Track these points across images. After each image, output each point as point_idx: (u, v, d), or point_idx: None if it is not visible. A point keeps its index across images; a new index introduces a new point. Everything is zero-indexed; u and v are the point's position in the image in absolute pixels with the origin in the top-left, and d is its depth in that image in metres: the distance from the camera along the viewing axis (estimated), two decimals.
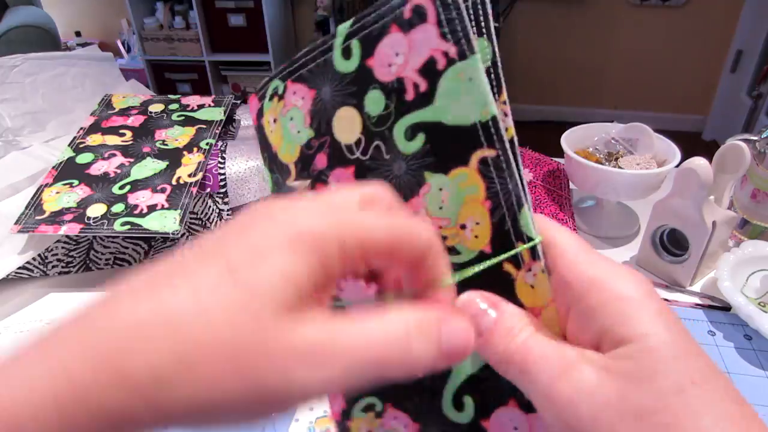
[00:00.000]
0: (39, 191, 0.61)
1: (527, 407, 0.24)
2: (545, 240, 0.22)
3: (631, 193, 0.65)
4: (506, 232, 0.22)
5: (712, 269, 0.61)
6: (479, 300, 0.22)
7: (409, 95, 0.23)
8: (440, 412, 0.26)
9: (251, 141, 0.72)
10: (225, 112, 0.75)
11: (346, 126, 0.25)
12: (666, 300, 0.58)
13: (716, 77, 2.65)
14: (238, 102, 0.81)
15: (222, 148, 0.68)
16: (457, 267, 0.23)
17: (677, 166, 0.59)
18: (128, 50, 3.08)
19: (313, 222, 0.17)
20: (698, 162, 0.53)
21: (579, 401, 0.18)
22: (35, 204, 0.59)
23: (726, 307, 0.57)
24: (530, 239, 0.22)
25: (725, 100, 2.62)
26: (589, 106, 2.83)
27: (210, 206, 0.66)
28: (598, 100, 2.85)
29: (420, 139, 0.23)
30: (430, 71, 0.22)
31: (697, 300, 0.58)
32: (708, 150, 0.62)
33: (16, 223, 0.57)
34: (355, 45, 0.24)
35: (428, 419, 0.26)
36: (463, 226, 0.23)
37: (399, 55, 0.23)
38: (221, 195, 0.65)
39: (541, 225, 0.22)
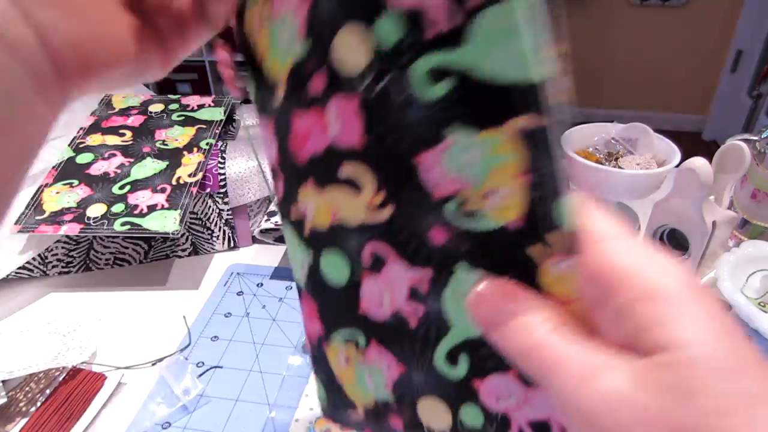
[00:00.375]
0: (39, 191, 0.61)
1: (527, 381, 0.22)
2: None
3: (631, 193, 0.65)
4: (542, 214, 0.19)
5: (712, 269, 0.61)
6: (495, 288, 0.20)
7: (433, 30, 0.18)
8: (430, 363, 0.24)
9: (251, 141, 0.72)
10: (225, 112, 0.75)
11: (351, 50, 0.20)
12: None
13: (716, 77, 2.65)
14: (239, 102, 0.81)
15: (222, 148, 0.68)
16: (471, 236, 0.21)
17: (677, 166, 0.59)
18: None
19: None
20: (698, 162, 0.53)
21: (604, 411, 0.16)
22: (35, 204, 0.59)
23: (726, 307, 0.57)
24: (567, 230, 0.19)
25: (725, 100, 2.62)
26: (589, 106, 2.83)
27: (210, 206, 0.66)
28: (598, 100, 2.85)
29: (446, 86, 0.19)
30: (462, 2, 0.18)
31: None
32: (708, 150, 0.62)
33: (16, 223, 0.57)
34: None
35: (415, 365, 0.25)
36: (486, 195, 0.20)
37: None
38: (221, 195, 0.65)
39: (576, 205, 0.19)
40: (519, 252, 0.20)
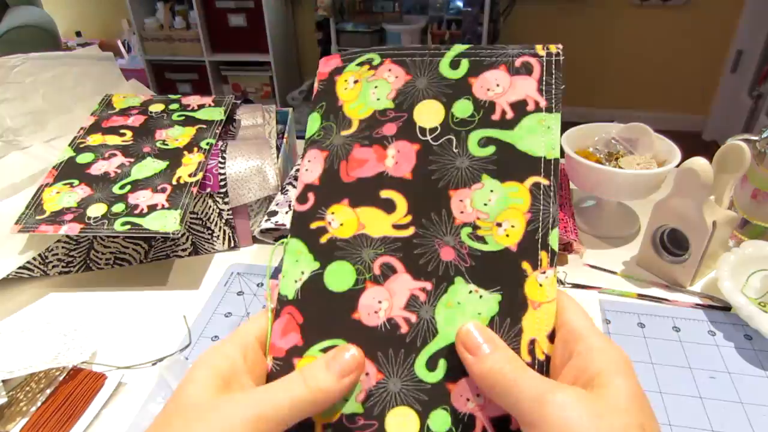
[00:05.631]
0: (39, 191, 0.61)
1: None
2: (563, 310, 0.28)
3: (631, 193, 0.65)
4: (535, 240, 0.28)
5: (712, 269, 0.61)
6: (477, 334, 0.27)
7: (496, 116, 0.31)
8: (410, 369, 0.28)
9: (251, 141, 0.72)
10: (225, 112, 0.75)
11: (429, 113, 0.32)
12: (666, 300, 0.58)
13: (716, 77, 2.65)
14: (239, 102, 0.81)
15: (222, 148, 0.68)
16: (476, 255, 0.29)
17: (677, 166, 0.59)
18: (128, 50, 3.08)
19: None
20: (698, 162, 0.53)
21: (566, 424, 0.23)
22: (35, 204, 0.59)
23: (726, 307, 0.57)
24: (553, 251, 0.28)
25: (725, 100, 2.62)
26: (589, 106, 2.83)
27: (210, 206, 0.66)
28: (598, 100, 2.85)
29: (490, 149, 0.30)
30: (520, 107, 0.31)
31: (697, 300, 0.58)
32: (708, 150, 0.62)
33: (16, 223, 0.57)
34: (464, 63, 0.33)
35: (394, 373, 0.28)
36: (498, 224, 0.29)
37: (499, 86, 0.31)
38: (221, 195, 0.65)
39: (559, 299, 0.28)
40: (514, 266, 0.28)
